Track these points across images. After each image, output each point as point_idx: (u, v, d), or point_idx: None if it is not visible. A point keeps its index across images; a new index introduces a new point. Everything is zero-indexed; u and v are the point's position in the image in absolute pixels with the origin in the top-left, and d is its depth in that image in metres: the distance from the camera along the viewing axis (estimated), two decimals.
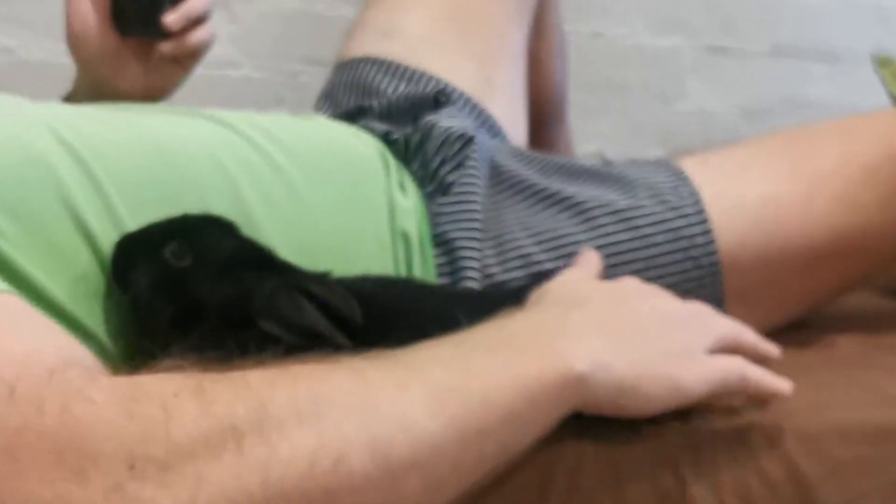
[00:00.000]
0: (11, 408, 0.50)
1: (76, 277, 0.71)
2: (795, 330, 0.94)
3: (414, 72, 1.09)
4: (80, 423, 0.50)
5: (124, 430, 0.50)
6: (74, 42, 0.94)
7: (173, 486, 0.49)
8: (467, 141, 0.94)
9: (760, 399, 0.72)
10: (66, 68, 0.97)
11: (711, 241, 0.89)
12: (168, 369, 0.56)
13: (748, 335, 0.74)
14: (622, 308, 0.71)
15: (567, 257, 0.86)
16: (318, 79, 1.22)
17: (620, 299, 0.72)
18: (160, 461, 0.50)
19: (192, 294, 0.71)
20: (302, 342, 0.65)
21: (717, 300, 0.89)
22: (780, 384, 0.71)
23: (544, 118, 1.37)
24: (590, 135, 1.86)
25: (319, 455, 0.52)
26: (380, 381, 0.57)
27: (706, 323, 0.73)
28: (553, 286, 0.74)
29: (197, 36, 0.93)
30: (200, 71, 1.01)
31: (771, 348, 0.75)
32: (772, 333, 0.93)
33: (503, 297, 0.77)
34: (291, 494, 0.51)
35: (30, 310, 0.62)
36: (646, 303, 0.72)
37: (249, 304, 0.70)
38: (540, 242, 0.88)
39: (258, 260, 0.74)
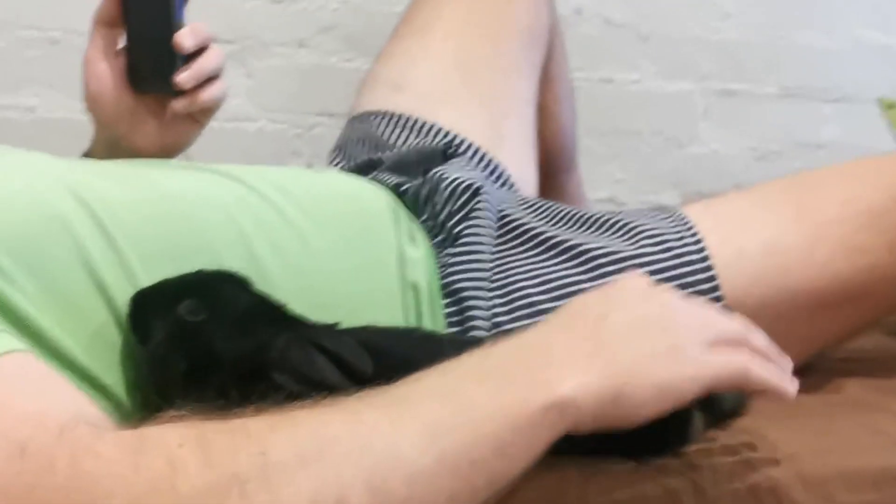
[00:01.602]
0: (23, 466, 0.52)
1: (92, 334, 0.72)
2: (800, 374, 0.94)
3: (423, 124, 1.10)
4: (89, 478, 0.52)
5: (132, 483, 0.52)
6: (92, 101, 0.96)
7: None
8: (475, 192, 0.96)
9: (767, 397, 0.70)
10: (85, 125, 0.99)
11: (716, 288, 0.89)
12: (171, 419, 0.58)
13: (758, 338, 0.71)
14: (612, 315, 0.69)
15: None
16: (333, 131, 1.24)
17: (613, 305, 0.70)
18: None
19: (207, 348, 0.73)
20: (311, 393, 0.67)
21: None
22: (787, 385, 0.69)
23: (554, 166, 1.38)
24: (603, 181, 1.87)
25: (320, 498, 0.54)
26: (374, 420, 0.58)
27: (706, 318, 0.71)
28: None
29: (210, 92, 0.94)
30: (217, 124, 1.03)
31: (781, 358, 0.72)
32: None
33: None
34: None
35: (44, 368, 0.63)
36: (640, 305, 0.70)
37: (264, 359, 0.72)
38: (547, 291, 0.89)
39: (271, 315, 0.76)
